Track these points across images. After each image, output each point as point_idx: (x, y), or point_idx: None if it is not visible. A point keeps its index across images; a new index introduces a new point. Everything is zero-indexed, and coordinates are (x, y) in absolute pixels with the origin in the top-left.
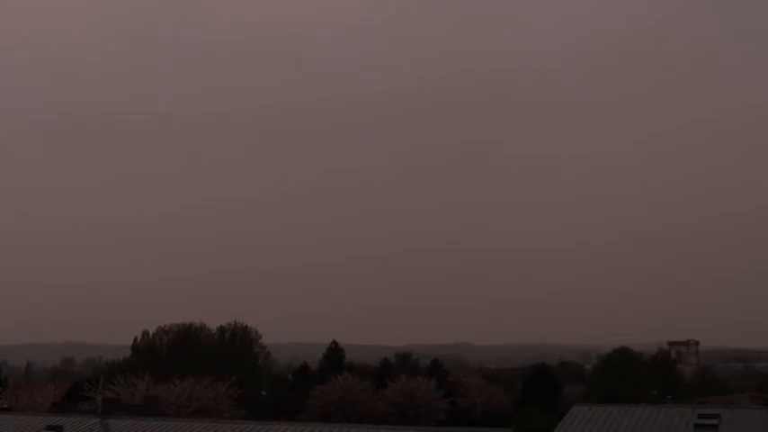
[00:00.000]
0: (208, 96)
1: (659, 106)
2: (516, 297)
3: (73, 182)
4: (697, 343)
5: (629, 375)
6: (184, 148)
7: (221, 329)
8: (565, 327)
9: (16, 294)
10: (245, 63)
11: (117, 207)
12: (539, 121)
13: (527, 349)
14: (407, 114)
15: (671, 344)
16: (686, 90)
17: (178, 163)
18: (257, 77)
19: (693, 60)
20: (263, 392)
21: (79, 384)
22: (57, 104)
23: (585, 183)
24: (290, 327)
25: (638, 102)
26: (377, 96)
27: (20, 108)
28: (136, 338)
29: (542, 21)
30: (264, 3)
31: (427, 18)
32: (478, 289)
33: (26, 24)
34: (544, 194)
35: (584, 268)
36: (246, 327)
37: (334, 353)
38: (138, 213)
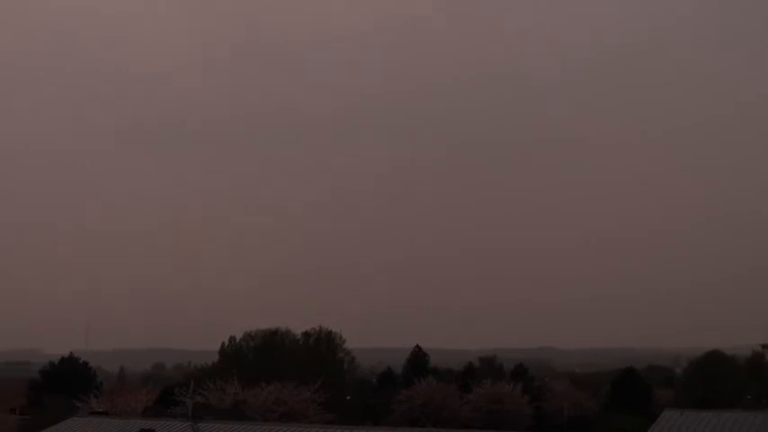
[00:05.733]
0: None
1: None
2: (603, 298)
3: (152, 186)
4: None
5: (722, 379)
6: (259, 152)
7: (306, 335)
8: (653, 330)
9: (108, 302)
10: (318, 62)
11: (199, 213)
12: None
13: (614, 353)
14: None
15: (765, 347)
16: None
17: (256, 166)
18: (331, 75)
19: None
20: (348, 397)
21: (170, 389)
22: (157, 113)
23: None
24: (374, 331)
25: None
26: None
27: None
28: (223, 344)
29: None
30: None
31: (466, 15)
32: (563, 290)
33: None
34: (626, 192)
35: (671, 269)
36: (330, 332)
37: (418, 357)
38: (223, 219)
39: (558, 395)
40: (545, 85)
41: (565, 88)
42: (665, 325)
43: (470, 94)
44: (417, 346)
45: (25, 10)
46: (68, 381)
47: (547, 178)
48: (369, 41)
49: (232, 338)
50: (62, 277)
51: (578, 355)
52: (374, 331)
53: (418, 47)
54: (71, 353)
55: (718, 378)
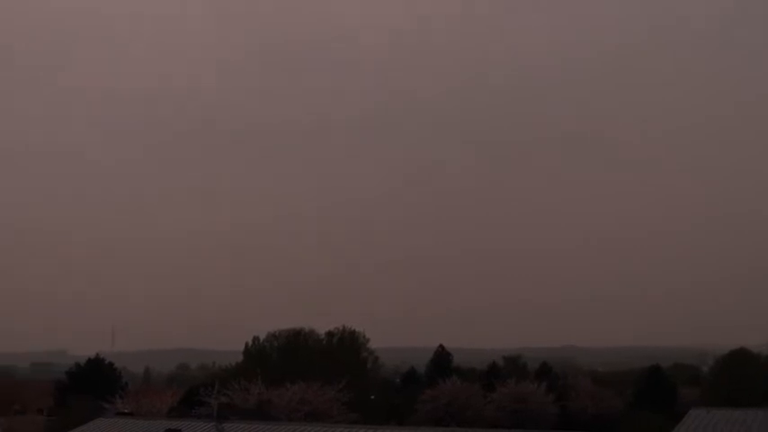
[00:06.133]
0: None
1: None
2: (627, 296)
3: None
4: None
5: (749, 377)
6: (259, 152)
7: (329, 334)
8: (678, 328)
9: (133, 303)
10: (318, 62)
11: (224, 214)
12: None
13: (639, 351)
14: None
15: None
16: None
17: (257, 166)
18: (331, 75)
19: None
20: (372, 397)
21: (195, 389)
22: (158, 113)
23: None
24: (397, 331)
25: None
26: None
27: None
28: (247, 344)
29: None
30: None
31: (466, 15)
32: (586, 288)
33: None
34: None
35: (694, 267)
36: (354, 331)
37: (442, 357)
38: (244, 220)
39: (582, 394)
40: (545, 85)
41: (565, 88)
42: (690, 323)
43: (470, 94)
44: (441, 345)
45: (25, 10)
46: (94, 382)
47: (547, 178)
48: (369, 41)
49: (256, 339)
50: (88, 279)
51: (603, 353)
52: (397, 331)
53: (418, 47)
54: (97, 354)
55: (743, 376)
